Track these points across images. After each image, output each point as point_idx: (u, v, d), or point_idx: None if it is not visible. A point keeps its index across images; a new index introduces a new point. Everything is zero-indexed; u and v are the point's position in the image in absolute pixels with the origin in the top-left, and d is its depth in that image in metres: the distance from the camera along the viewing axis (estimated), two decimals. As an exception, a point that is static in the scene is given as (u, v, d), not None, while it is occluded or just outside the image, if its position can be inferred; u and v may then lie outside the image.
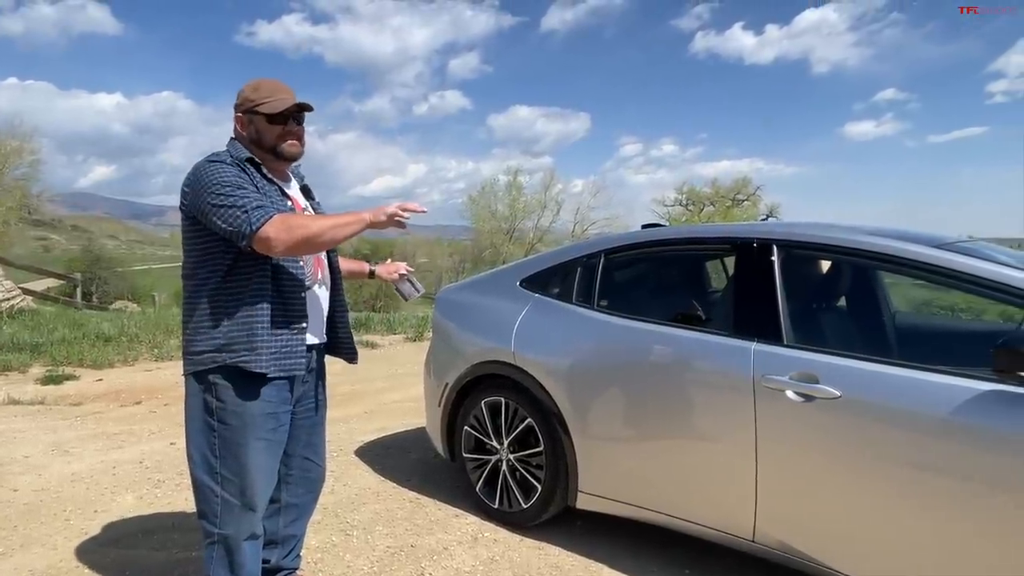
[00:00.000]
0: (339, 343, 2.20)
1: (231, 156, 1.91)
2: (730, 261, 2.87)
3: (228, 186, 1.79)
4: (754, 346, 2.32)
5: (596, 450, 2.72)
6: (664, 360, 2.57)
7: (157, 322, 8.84)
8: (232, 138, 2.01)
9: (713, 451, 2.40)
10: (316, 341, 2.08)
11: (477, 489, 3.14)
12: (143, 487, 3.43)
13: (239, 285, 1.86)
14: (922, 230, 2.51)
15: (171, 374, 6.35)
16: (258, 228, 1.75)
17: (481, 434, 3.12)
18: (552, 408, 2.81)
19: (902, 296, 3.36)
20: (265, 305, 1.87)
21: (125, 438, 4.32)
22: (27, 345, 7.13)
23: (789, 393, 2.19)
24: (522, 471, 2.97)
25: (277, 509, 2.18)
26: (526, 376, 2.91)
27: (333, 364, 2.24)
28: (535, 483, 2.90)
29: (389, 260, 2.57)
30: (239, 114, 1.99)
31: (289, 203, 1.98)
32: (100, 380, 6.23)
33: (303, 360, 1.96)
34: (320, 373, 2.20)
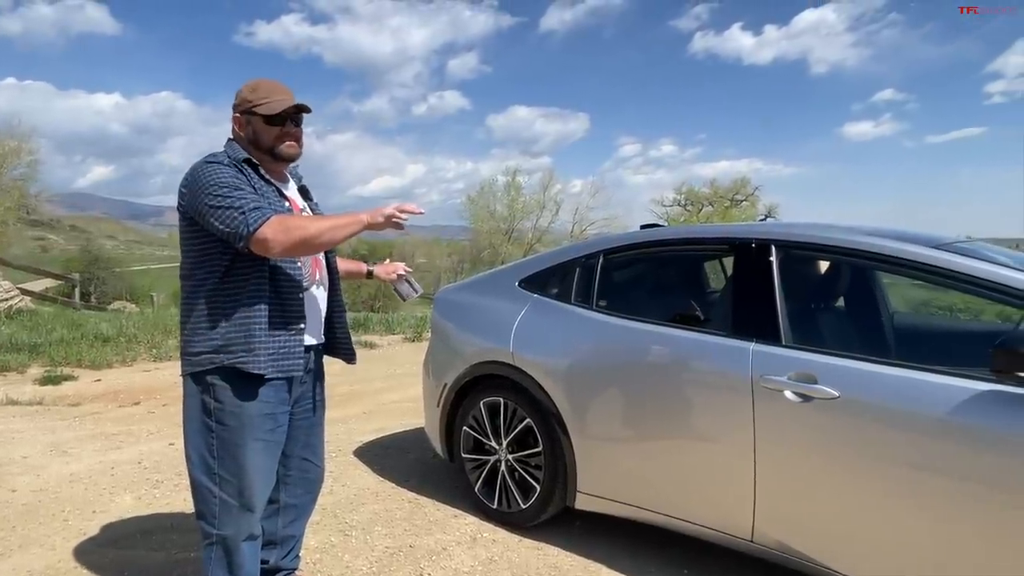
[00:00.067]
0: (337, 343, 2.20)
1: (228, 157, 1.90)
2: (729, 261, 2.87)
3: (225, 187, 1.79)
4: (752, 346, 2.33)
5: (595, 450, 2.73)
6: (663, 360, 2.58)
7: (155, 322, 8.83)
8: (230, 139, 2.00)
9: (712, 451, 2.40)
10: (314, 342, 2.08)
11: (476, 489, 3.14)
12: (141, 487, 3.43)
13: (237, 286, 1.86)
14: (921, 230, 2.52)
15: (170, 374, 6.35)
16: (255, 229, 1.75)
17: (480, 434, 3.12)
18: (551, 408, 2.81)
19: (900, 296, 3.37)
20: (263, 306, 1.87)
21: (123, 439, 4.32)
22: (25, 345, 7.12)
23: (787, 393, 2.19)
24: (521, 471, 2.97)
25: (276, 510, 2.18)
26: (525, 376, 2.91)
27: (331, 364, 2.24)
28: (534, 483, 2.90)
29: (387, 260, 2.57)
30: (237, 114, 1.99)
31: (287, 204, 1.98)
32: (98, 380, 6.23)
33: (301, 361, 1.96)
34: (318, 374, 2.20)
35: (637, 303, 2.98)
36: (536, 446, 2.89)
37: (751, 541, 2.33)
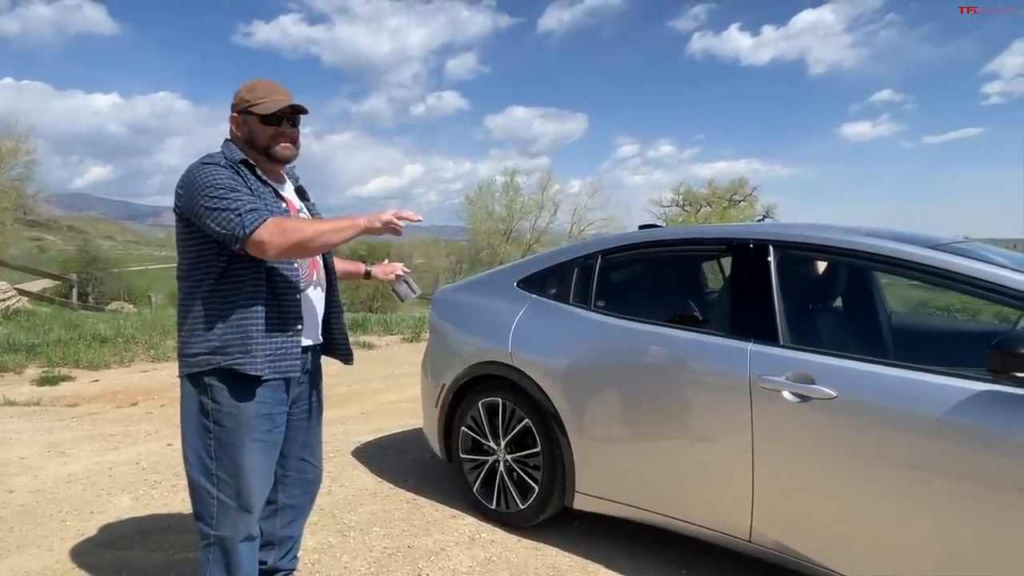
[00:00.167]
0: (334, 344, 2.20)
1: (225, 158, 1.90)
2: (727, 262, 2.87)
3: (221, 188, 1.79)
4: (750, 346, 2.33)
5: (593, 451, 2.73)
6: (661, 361, 2.58)
7: (153, 323, 8.82)
8: (227, 139, 2.00)
9: (710, 451, 2.40)
10: (311, 343, 2.08)
11: (474, 490, 3.14)
12: (139, 488, 3.43)
13: (233, 287, 1.86)
14: (918, 231, 2.52)
15: (167, 375, 6.34)
16: (251, 231, 1.75)
17: (478, 435, 3.12)
18: (549, 409, 2.81)
19: (898, 297, 3.37)
20: (259, 307, 1.87)
21: (121, 439, 4.32)
22: (23, 346, 7.11)
23: (785, 393, 2.20)
24: (519, 472, 2.97)
25: (274, 510, 2.17)
26: (523, 377, 2.91)
27: (329, 365, 2.24)
28: (532, 484, 2.90)
29: (386, 261, 2.56)
30: (234, 114, 1.99)
31: (283, 205, 1.97)
32: (96, 381, 6.22)
33: (298, 362, 1.96)
34: (316, 374, 2.20)
35: (635, 303, 2.98)
36: (534, 446, 2.89)
37: (749, 541, 2.33)
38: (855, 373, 2.11)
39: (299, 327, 1.96)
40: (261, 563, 2.14)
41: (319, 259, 2.11)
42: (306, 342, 2.02)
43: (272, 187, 1.97)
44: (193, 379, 1.90)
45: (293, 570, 2.31)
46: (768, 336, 2.32)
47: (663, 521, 2.58)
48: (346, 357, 2.23)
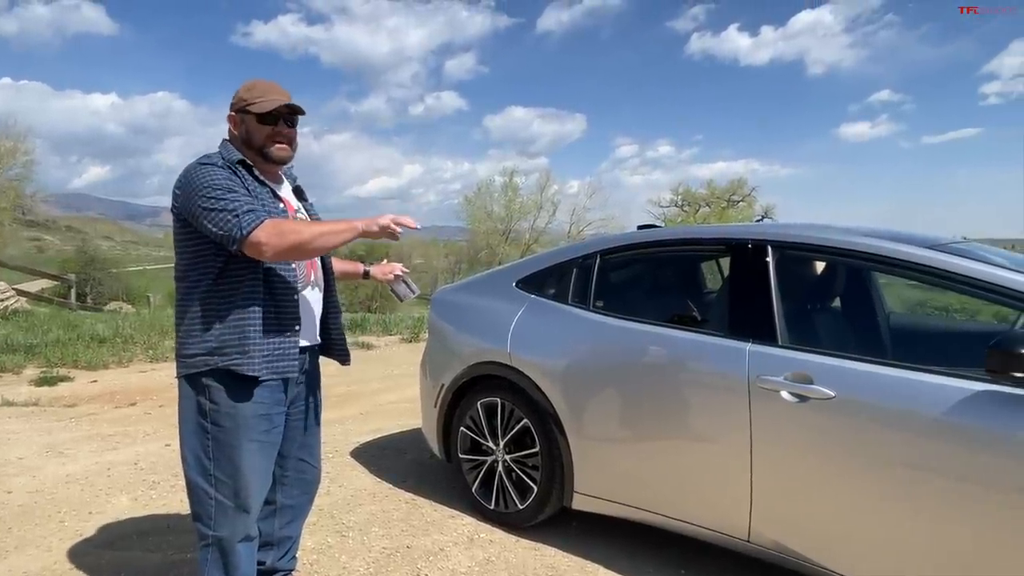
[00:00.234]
0: (332, 344, 2.20)
1: (223, 158, 1.90)
2: (725, 262, 2.88)
3: (219, 189, 1.79)
4: (749, 347, 2.33)
5: (592, 451, 2.73)
6: (659, 361, 2.58)
7: (152, 323, 8.81)
8: (225, 139, 2.00)
9: (708, 451, 2.40)
10: (309, 343, 2.08)
11: (473, 490, 3.14)
12: (138, 488, 3.42)
13: (231, 288, 1.86)
14: (917, 231, 2.52)
15: (166, 375, 6.33)
16: (248, 232, 1.75)
17: (477, 435, 3.12)
18: (548, 409, 2.81)
19: (896, 297, 3.38)
20: (257, 308, 1.86)
21: (120, 439, 4.31)
22: (21, 346, 7.11)
23: (784, 394, 2.20)
24: (518, 472, 2.97)
25: (273, 511, 2.17)
26: (522, 377, 2.91)
27: (328, 365, 2.24)
28: (531, 484, 2.90)
29: (384, 261, 2.56)
30: (232, 113, 1.99)
31: (281, 205, 1.97)
32: (95, 381, 6.21)
33: (296, 363, 1.96)
34: (314, 375, 2.19)
35: (634, 303, 2.98)
36: (533, 447, 2.89)
37: (748, 541, 2.33)
38: (853, 373, 2.11)
39: (297, 328, 1.96)
40: (260, 563, 2.13)
41: (317, 259, 2.11)
42: (304, 342, 2.02)
43: (270, 187, 1.97)
44: (191, 380, 1.90)
45: (292, 570, 2.31)
46: (767, 336, 2.32)
47: (662, 521, 2.58)
48: (343, 358, 2.23)
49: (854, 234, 2.37)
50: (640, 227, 3.22)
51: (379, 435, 4.47)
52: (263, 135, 1.94)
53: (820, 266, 2.74)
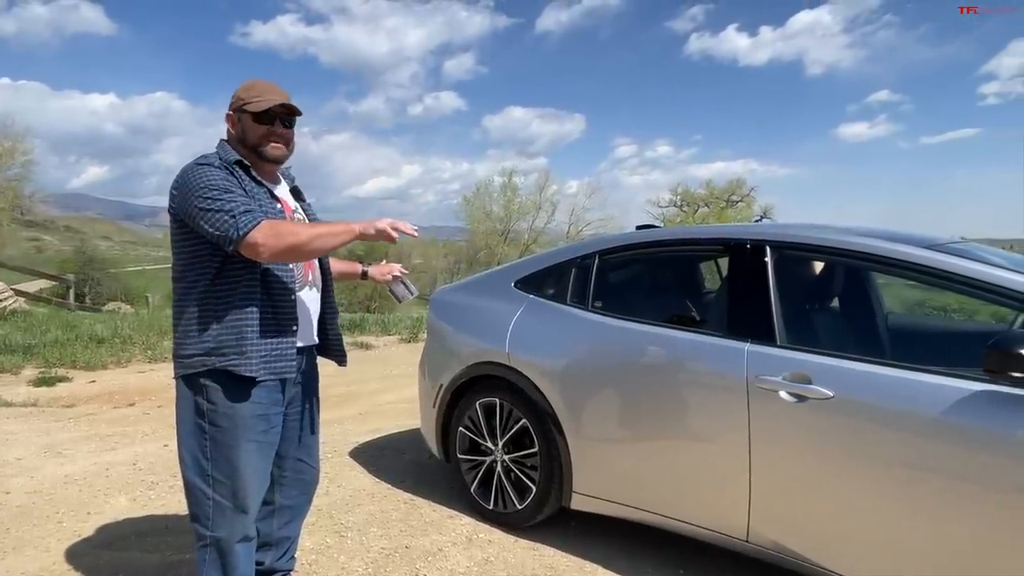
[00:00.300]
0: (329, 345, 2.20)
1: (220, 159, 1.90)
2: (724, 262, 2.88)
3: (215, 190, 1.79)
4: (747, 347, 2.33)
5: (590, 451, 2.73)
6: (658, 361, 2.58)
7: (150, 323, 8.81)
8: (222, 140, 2.00)
9: (707, 452, 2.40)
10: (307, 343, 2.07)
11: (472, 490, 3.13)
12: (136, 489, 3.42)
13: (228, 288, 1.86)
14: (915, 231, 2.53)
15: (164, 375, 6.33)
16: (245, 233, 1.74)
17: (476, 435, 3.12)
18: (547, 409, 2.81)
19: (895, 297, 3.38)
20: (254, 308, 1.86)
21: (118, 440, 4.31)
22: (19, 347, 7.09)
23: (782, 394, 2.20)
24: (517, 472, 2.97)
25: (271, 511, 2.17)
26: (521, 377, 2.91)
27: (326, 365, 2.24)
28: (530, 484, 2.90)
29: (384, 261, 2.56)
30: (230, 112, 1.99)
31: (278, 205, 1.97)
32: (93, 382, 6.21)
33: (293, 363, 1.96)
34: (312, 375, 2.19)
35: (633, 304, 2.98)
36: (532, 447, 2.89)
37: (747, 541, 2.33)
38: (852, 373, 2.11)
39: (294, 328, 1.95)
40: (258, 564, 2.13)
41: (315, 260, 2.11)
42: (301, 343, 2.02)
43: (267, 188, 1.97)
44: (188, 380, 1.89)
45: (290, 571, 2.31)
46: (765, 336, 2.33)
47: (660, 521, 2.58)
48: (340, 358, 2.23)
49: (852, 234, 2.37)
50: (639, 227, 3.23)
51: (378, 435, 4.47)
52: (258, 134, 1.94)
53: (818, 266, 2.74)
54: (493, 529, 2.99)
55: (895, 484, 2.01)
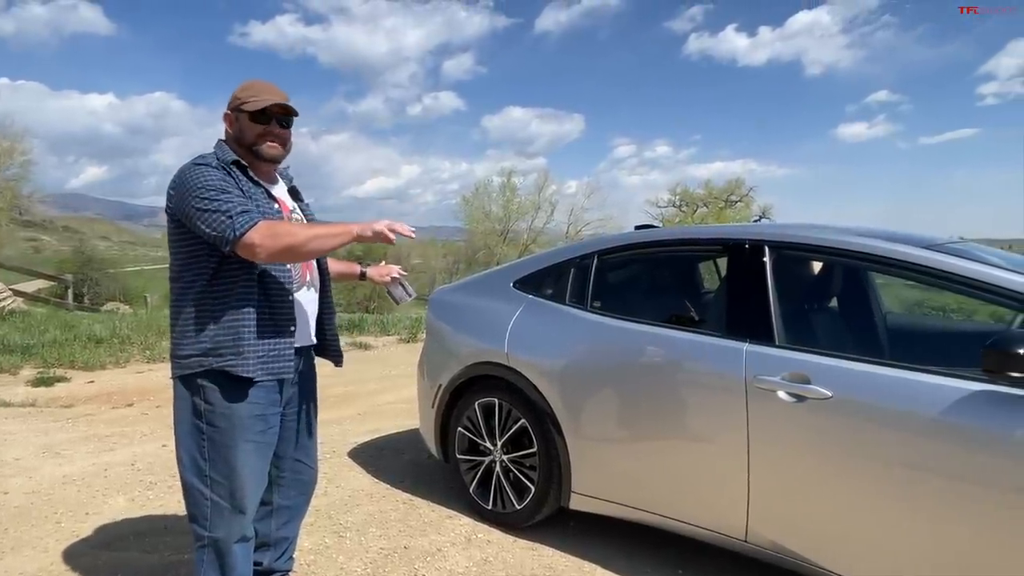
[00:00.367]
0: (326, 345, 2.20)
1: (217, 159, 1.90)
2: (723, 262, 2.88)
3: (212, 190, 1.78)
4: (746, 347, 2.33)
5: (589, 451, 2.73)
6: (657, 361, 2.58)
7: (149, 323, 8.80)
8: (220, 140, 2.00)
9: (706, 451, 2.40)
10: (304, 344, 2.07)
11: (471, 490, 3.13)
12: (135, 489, 3.42)
13: (225, 288, 1.85)
14: (914, 231, 2.53)
15: (163, 376, 6.32)
16: (242, 234, 1.74)
17: (474, 435, 3.12)
18: (545, 409, 2.81)
19: (893, 297, 3.38)
20: (251, 309, 1.86)
21: (117, 440, 4.30)
22: (18, 347, 7.09)
23: (781, 393, 2.20)
24: (515, 472, 2.97)
25: (269, 511, 2.17)
26: (519, 377, 2.91)
27: (325, 366, 2.24)
28: (528, 484, 2.90)
29: (383, 262, 2.56)
30: (227, 111, 1.99)
31: (276, 206, 1.97)
32: (91, 382, 6.20)
33: (291, 364, 1.95)
34: (310, 375, 2.19)
35: (632, 304, 2.98)
36: (531, 447, 2.89)
37: (745, 541, 2.33)
38: (851, 373, 2.11)
39: (292, 328, 1.95)
40: (257, 564, 2.13)
41: (312, 260, 2.10)
42: (299, 343, 2.02)
43: (264, 187, 1.97)
44: (185, 381, 1.89)
45: (289, 571, 2.31)
46: (764, 336, 2.33)
47: (659, 521, 2.58)
48: (337, 358, 2.23)
49: (851, 234, 2.37)
50: (638, 227, 3.23)
51: (377, 435, 4.46)
52: (255, 133, 1.94)
53: (817, 266, 2.75)
54: (492, 529, 2.99)
55: (894, 484, 2.01)
